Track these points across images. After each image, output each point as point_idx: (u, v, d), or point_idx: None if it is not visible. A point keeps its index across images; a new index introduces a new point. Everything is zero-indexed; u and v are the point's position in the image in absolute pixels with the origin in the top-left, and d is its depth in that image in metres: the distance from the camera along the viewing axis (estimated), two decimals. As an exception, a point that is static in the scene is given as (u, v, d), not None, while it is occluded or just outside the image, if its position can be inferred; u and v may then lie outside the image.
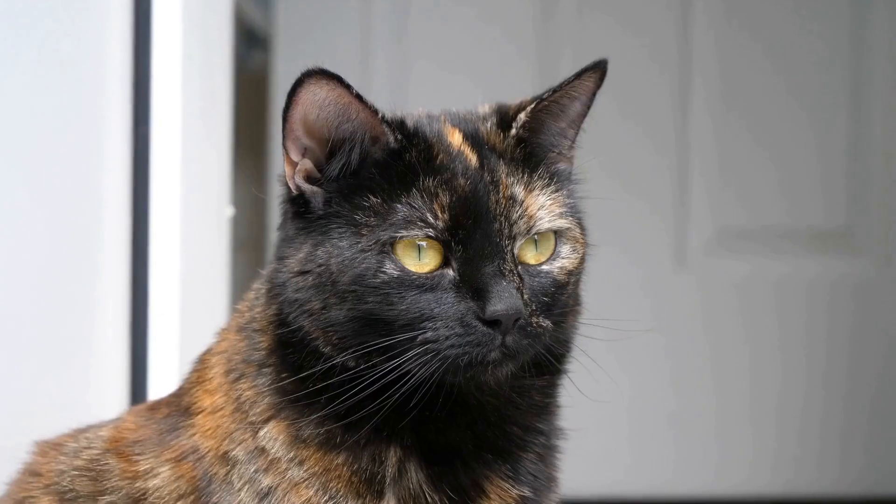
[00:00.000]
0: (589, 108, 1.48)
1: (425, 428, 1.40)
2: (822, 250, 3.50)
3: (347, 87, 1.37)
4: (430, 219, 1.36)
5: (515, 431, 1.44)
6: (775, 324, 3.49)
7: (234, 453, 1.41)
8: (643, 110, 3.44)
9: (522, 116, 1.44)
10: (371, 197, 1.38)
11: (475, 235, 1.36)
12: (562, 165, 1.48)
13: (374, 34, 3.48)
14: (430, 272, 1.36)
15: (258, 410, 1.41)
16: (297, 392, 1.39)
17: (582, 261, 1.46)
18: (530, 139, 1.45)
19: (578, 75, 1.44)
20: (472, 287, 1.35)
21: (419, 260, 1.36)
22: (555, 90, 1.44)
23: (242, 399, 1.42)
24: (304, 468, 1.39)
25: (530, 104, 1.45)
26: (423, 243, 1.36)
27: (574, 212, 1.46)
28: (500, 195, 1.39)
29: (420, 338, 1.34)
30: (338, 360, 1.37)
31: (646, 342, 3.40)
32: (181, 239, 2.14)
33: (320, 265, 1.38)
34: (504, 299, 1.34)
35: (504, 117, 1.46)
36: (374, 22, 3.48)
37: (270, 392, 1.41)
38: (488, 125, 1.45)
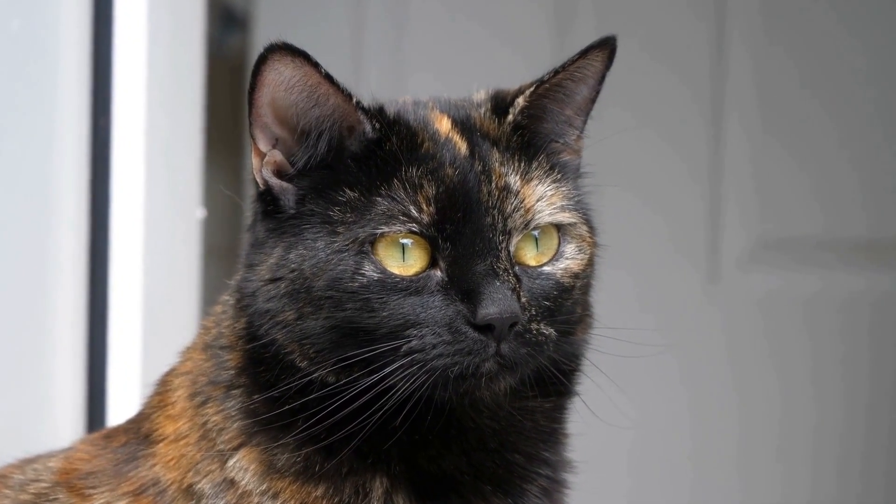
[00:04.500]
0: (598, 92, 1.47)
1: (416, 454, 1.39)
2: (868, 264, 3.50)
3: (315, 65, 1.36)
4: (414, 212, 1.36)
5: (518, 460, 1.43)
6: (814, 343, 3.48)
7: (199, 486, 1.40)
8: (674, 122, 3.45)
9: (521, 101, 1.43)
10: (348, 191, 1.38)
11: (465, 231, 1.36)
12: (567, 157, 1.47)
13: (367, 15, 3.48)
14: (416, 274, 1.35)
15: (227, 437, 1.41)
16: (270, 414, 1.39)
17: (590, 263, 1.44)
18: (530, 126, 1.44)
19: (583, 54, 1.43)
20: (462, 289, 1.35)
21: (403, 261, 1.36)
22: (557, 71, 1.43)
23: (209, 425, 1.42)
24: (279, 502, 1.38)
25: (530, 87, 1.44)
26: (408, 241, 1.36)
27: (580, 207, 1.45)
28: (493, 185, 1.38)
29: (405, 347, 1.34)
30: (316, 375, 1.37)
31: (674, 361, 3.39)
32: (145, 244, 2.13)
33: (293, 270, 1.37)
34: (497, 301, 1.33)
35: (500, 103, 1.45)
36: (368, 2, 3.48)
37: (240, 416, 1.41)
38: (482, 111, 1.45)
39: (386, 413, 1.35)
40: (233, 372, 1.43)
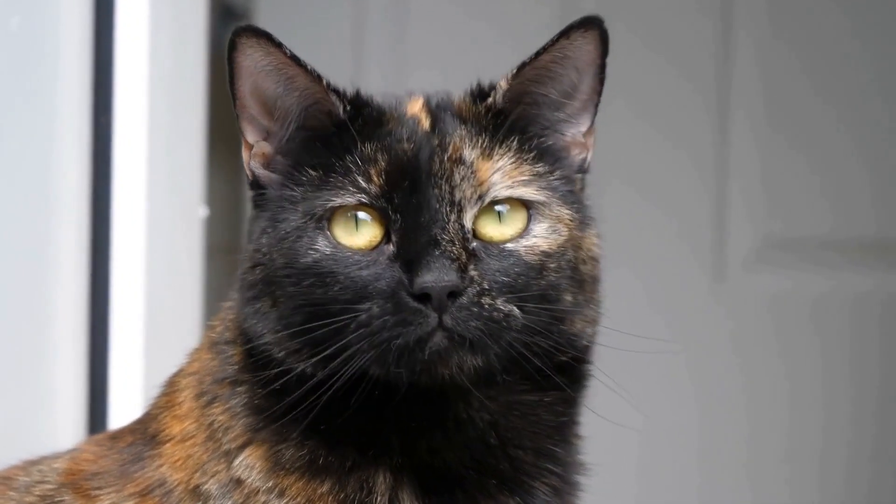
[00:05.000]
0: (600, 83, 1.46)
1: (416, 446, 1.40)
2: (876, 263, 3.51)
3: (279, 45, 1.38)
4: (363, 183, 1.37)
5: (522, 456, 1.42)
6: (822, 344, 3.48)
7: (206, 487, 1.40)
8: (679, 120, 3.45)
9: (503, 84, 1.44)
10: (310, 171, 1.40)
11: (412, 201, 1.36)
12: (551, 142, 1.46)
13: (368, 13, 3.48)
14: (369, 248, 1.37)
15: (232, 436, 1.41)
16: (272, 409, 1.40)
17: (566, 244, 1.41)
18: (512, 110, 1.44)
19: (564, 33, 1.44)
20: (405, 259, 1.35)
21: (357, 235, 1.37)
22: (538, 53, 1.44)
23: (215, 425, 1.42)
24: (286, 499, 1.38)
25: (512, 71, 1.44)
26: (362, 214, 1.37)
27: (559, 189, 1.43)
28: (446, 157, 1.39)
29: (353, 323, 1.34)
30: (291, 363, 1.38)
31: (680, 361, 3.39)
32: (147, 243, 2.13)
33: (265, 255, 1.40)
34: (434, 270, 1.33)
35: (485, 88, 1.46)
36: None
37: (245, 413, 1.42)
38: (464, 96, 1.46)
39: (340, 392, 1.35)
40: (237, 367, 1.44)
